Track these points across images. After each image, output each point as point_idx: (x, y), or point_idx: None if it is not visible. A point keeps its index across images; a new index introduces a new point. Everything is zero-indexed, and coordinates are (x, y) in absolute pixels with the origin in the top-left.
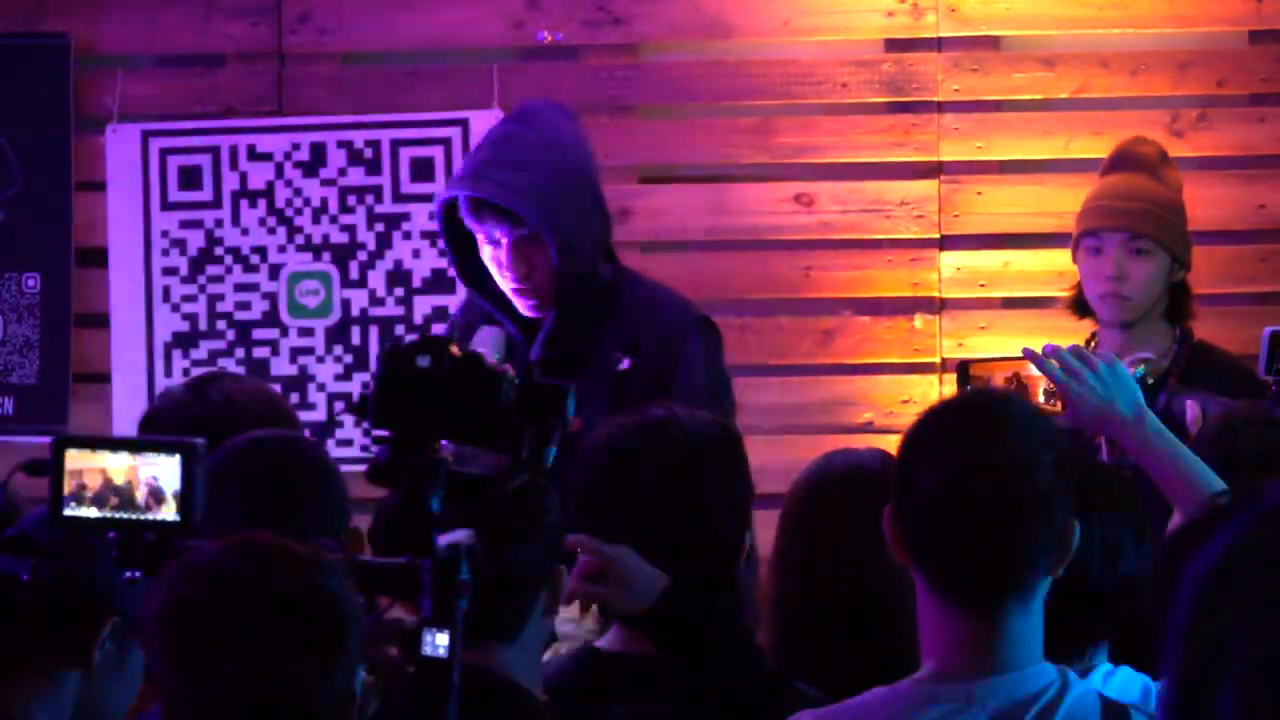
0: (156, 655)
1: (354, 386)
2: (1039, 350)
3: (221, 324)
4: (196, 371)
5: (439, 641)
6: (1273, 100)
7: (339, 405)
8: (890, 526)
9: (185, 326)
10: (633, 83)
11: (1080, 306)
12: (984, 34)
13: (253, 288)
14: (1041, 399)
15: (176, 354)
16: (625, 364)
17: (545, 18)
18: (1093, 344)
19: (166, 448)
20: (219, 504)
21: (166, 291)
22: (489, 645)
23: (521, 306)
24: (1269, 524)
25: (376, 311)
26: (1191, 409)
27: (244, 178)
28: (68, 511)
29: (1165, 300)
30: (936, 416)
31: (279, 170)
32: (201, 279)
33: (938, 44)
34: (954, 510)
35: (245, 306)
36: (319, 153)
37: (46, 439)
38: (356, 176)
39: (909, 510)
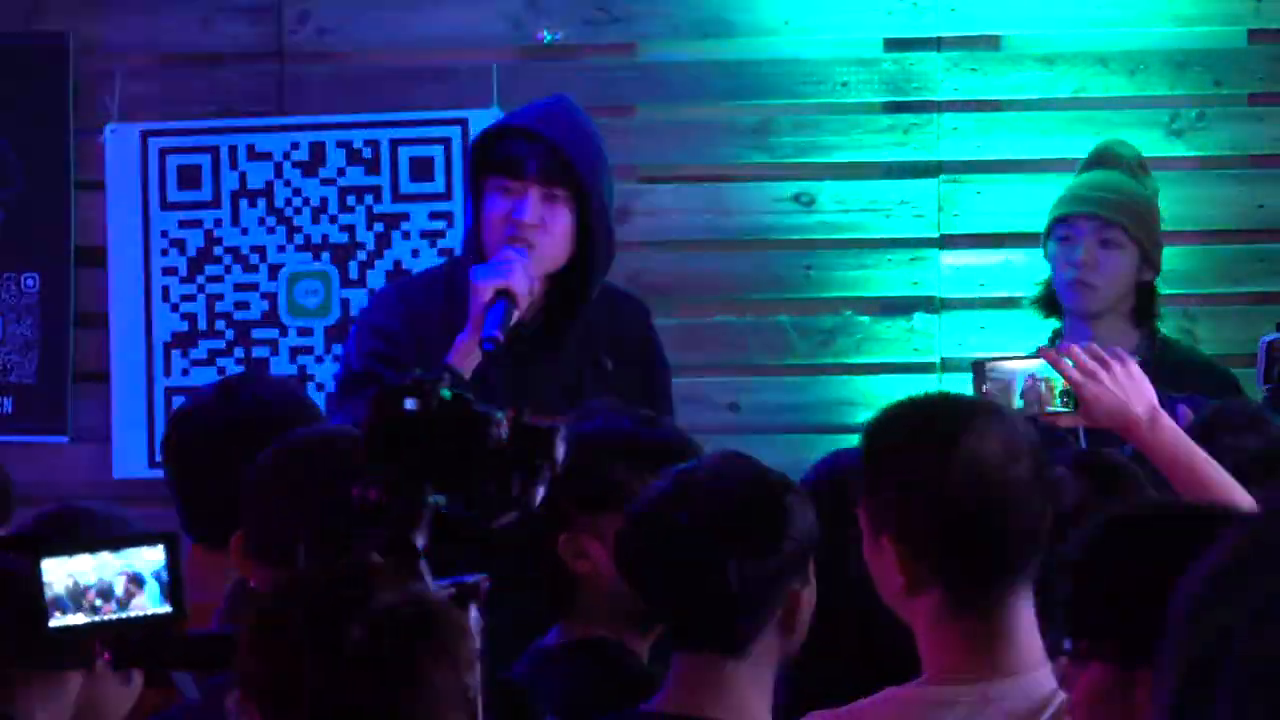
0: (271, 688)
1: None
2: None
3: (221, 324)
4: (196, 371)
5: None
6: (1271, 100)
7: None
8: (892, 549)
9: (184, 326)
10: (633, 83)
11: (1046, 303)
12: (984, 34)
13: (252, 287)
14: (1057, 401)
15: (176, 354)
16: (609, 365)
17: (545, 18)
18: (1056, 342)
19: (148, 540)
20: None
21: (166, 291)
22: (713, 658)
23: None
24: (1269, 525)
25: None
26: (1184, 415)
27: (243, 177)
28: (54, 623)
29: (1132, 299)
30: (921, 427)
31: (278, 170)
32: (200, 279)
33: (938, 44)
34: (971, 509)
35: (244, 306)
36: (318, 152)
37: (45, 439)
38: (356, 176)
39: (925, 513)
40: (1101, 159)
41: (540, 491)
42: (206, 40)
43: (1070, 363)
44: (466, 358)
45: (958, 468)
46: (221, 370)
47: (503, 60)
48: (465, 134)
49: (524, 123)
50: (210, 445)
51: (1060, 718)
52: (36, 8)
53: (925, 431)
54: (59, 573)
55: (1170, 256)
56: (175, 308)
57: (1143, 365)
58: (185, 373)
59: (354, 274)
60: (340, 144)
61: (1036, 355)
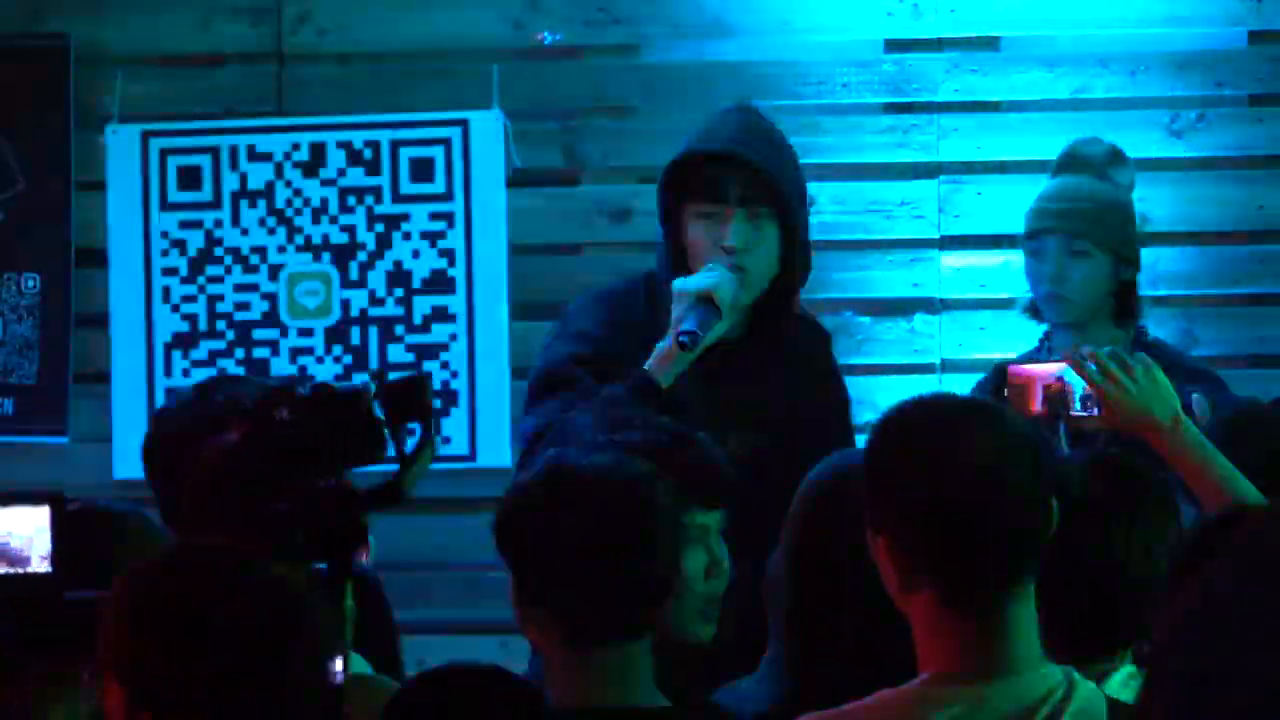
0: (128, 656)
1: None
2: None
3: (221, 324)
4: (196, 372)
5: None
6: (1271, 101)
7: None
8: (888, 548)
9: (185, 327)
10: (633, 83)
11: (1035, 311)
12: (984, 34)
13: (252, 288)
14: (1078, 406)
15: (176, 354)
16: (799, 384)
17: (545, 18)
18: (1046, 346)
19: (33, 499)
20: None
21: (166, 292)
22: (614, 644)
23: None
24: (1269, 544)
25: (376, 312)
26: (1198, 404)
27: (244, 178)
28: None
29: (1113, 301)
30: (918, 427)
31: (279, 170)
32: (201, 279)
33: (938, 44)
34: (965, 509)
35: (245, 307)
36: (319, 153)
37: (45, 439)
38: (356, 177)
39: (919, 512)
40: (1068, 163)
41: (436, 438)
42: (206, 41)
43: (1093, 367)
44: (665, 362)
45: (952, 468)
46: (222, 371)
47: (503, 60)
48: (466, 134)
49: (720, 147)
50: (184, 443)
51: (1057, 718)
52: (36, 8)
53: (922, 431)
54: None
55: (1170, 257)
56: (176, 308)
57: None
58: (186, 373)
59: (354, 274)
60: (340, 144)
61: (1061, 359)
